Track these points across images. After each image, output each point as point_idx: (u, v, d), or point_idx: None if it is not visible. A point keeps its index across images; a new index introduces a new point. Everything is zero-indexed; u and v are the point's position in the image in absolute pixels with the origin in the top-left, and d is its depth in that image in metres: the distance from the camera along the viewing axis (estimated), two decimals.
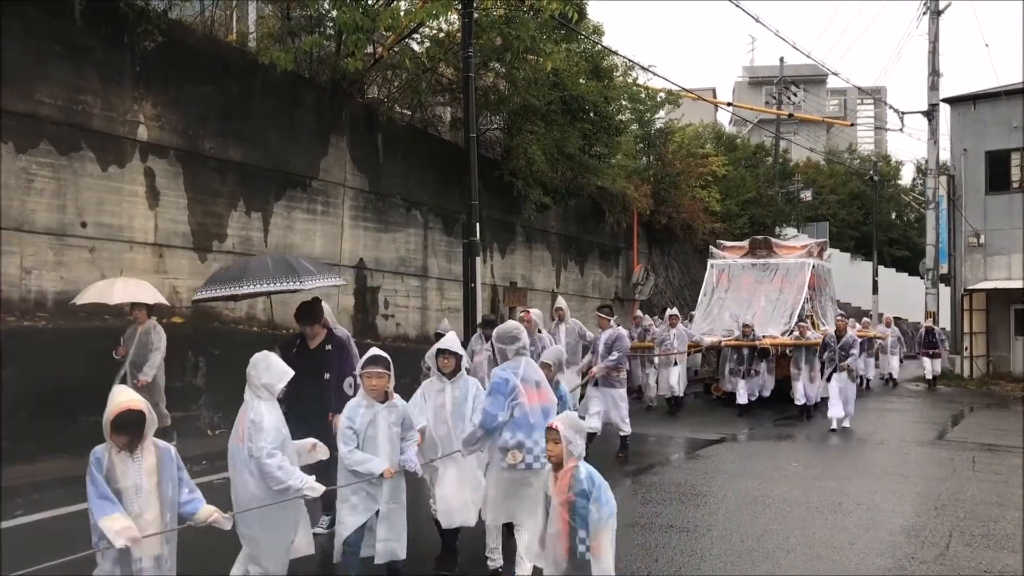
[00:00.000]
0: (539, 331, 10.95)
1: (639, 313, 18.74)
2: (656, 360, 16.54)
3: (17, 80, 9.89)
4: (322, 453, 5.41)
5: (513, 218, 19.02)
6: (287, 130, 13.43)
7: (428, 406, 6.15)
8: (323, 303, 7.73)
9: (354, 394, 6.71)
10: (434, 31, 15.93)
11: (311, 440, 5.40)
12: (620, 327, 11.61)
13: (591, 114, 18.45)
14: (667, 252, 27.52)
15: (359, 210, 14.92)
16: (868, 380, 21.98)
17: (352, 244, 14.76)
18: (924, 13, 26.76)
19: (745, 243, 20.47)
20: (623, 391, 11.32)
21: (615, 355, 10.97)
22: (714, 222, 27.66)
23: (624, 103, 22.19)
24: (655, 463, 11.16)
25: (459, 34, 14.14)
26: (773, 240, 20.71)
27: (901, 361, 24.92)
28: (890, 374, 23.73)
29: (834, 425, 13.80)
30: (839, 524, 7.77)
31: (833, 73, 32.82)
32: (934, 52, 26.44)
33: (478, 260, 13.51)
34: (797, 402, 15.78)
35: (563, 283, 21.67)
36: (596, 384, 11.22)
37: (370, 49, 14.49)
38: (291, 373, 5.18)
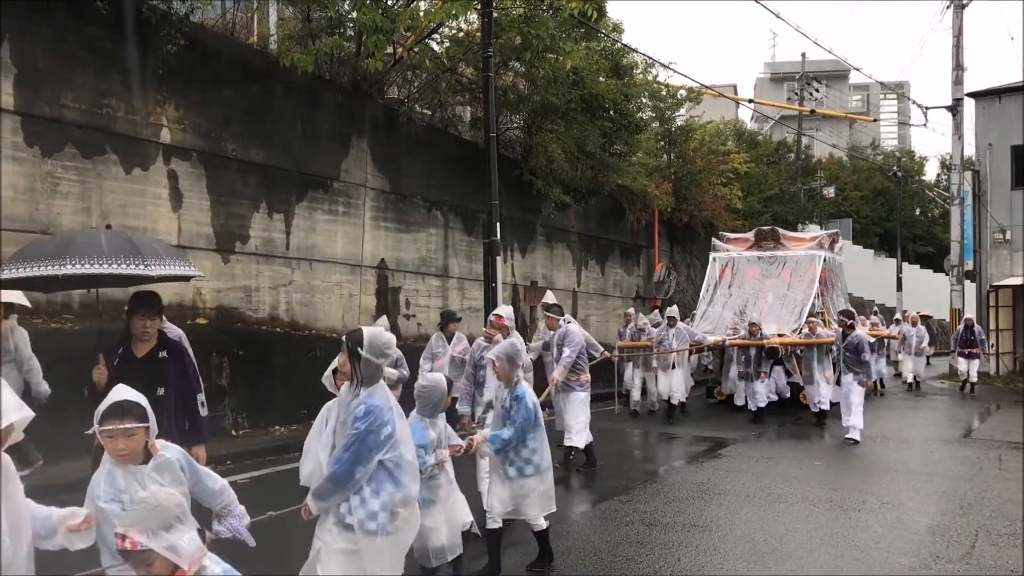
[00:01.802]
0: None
1: (630, 311, 17.27)
2: (655, 363, 15.12)
3: (43, 85, 10.03)
4: (85, 540, 3.57)
5: (533, 217, 19.03)
6: (308, 131, 13.50)
7: (326, 431, 4.53)
8: None
9: (207, 413, 5.89)
10: (454, 31, 16.00)
11: (78, 513, 3.57)
12: (571, 324, 10.49)
13: (611, 112, 18.46)
14: (689, 250, 27.42)
15: (380, 210, 14.98)
16: (878, 382, 20.12)
17: (373, 244, 14.83)
18: (948, 7, 26.49)
19: (751, 234, 19.07)
20: (585, 396, 10.04)
21: (567, 351, 9.77)
22: (736, 219, 27.53)
23: (644, 101, 22.18)
24: (676, 462, 11.13)
25: (479, 33, 14.18)
26: (781, 231, 19.10)
27: (928, 361, 23.94)
28: (915, 378, 21.59)
29: (851, 435, 12.31)
30: (863, 523, 7.72)
31: (855, 68, 32.75)
32: (958, 46, 26.16)
33: (499, 259, 13.52)
34: (812, 408, 14.33)
35: (584, 282, 21.65)
36: (557, 390, 10.08)
37: (390, 50, 14.56)
38: (16, 413, 3.34)
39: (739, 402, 15.41)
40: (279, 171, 13.03)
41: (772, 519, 7.81)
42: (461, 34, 15.96)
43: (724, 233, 20.57)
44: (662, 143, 25.99)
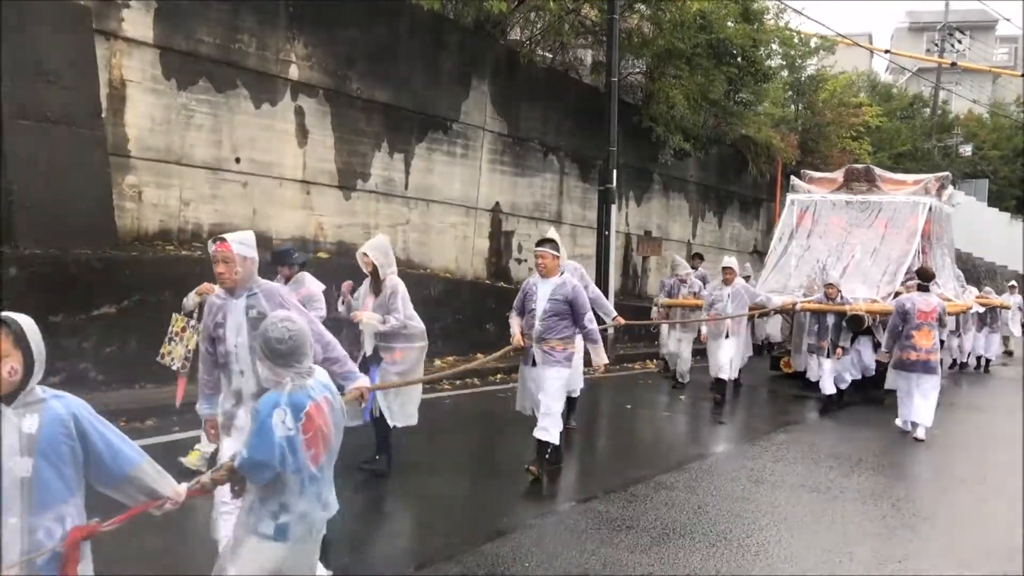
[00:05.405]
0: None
1: (677, 259, 14.04)
2: (703, 329, 11.89)
3: (180, 19, 10.35)
4: None
5: (651, 166, 18.72)
6: (430, 72, 13.56)
7: None
8: None
9: None
10: None
11: None
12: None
13: (738, 59, 17.84)
14: None
15: (497, 154, 15.00)
16: (983, 361, 18.43)
17: (489, 188, 14.89)
18: None
19: (839, 174, 15.52)
20: (567, 374, 7.19)
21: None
22: None
23: (774, 48, 21.36)
24: (786, 422, 10.90)
25: None
26: (877, 171, 15.30)
27: None
28: None
29: (915, 433, 9.86)
30: (983, 496, 7.44)
31: (1004, 19, 30.50)
32: None
33: (613, 208, 13.40)
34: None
35: (700, 234, 21.26)
36: (533, 363, 7.09)
37: None
38: None
39: (813, 378, 12.32)
40: (401, 111, 13.16)
41: (885, 486, 7.60)
42: None
43: (808, 172, 16.96)
44: (790, 93, 25.05)
